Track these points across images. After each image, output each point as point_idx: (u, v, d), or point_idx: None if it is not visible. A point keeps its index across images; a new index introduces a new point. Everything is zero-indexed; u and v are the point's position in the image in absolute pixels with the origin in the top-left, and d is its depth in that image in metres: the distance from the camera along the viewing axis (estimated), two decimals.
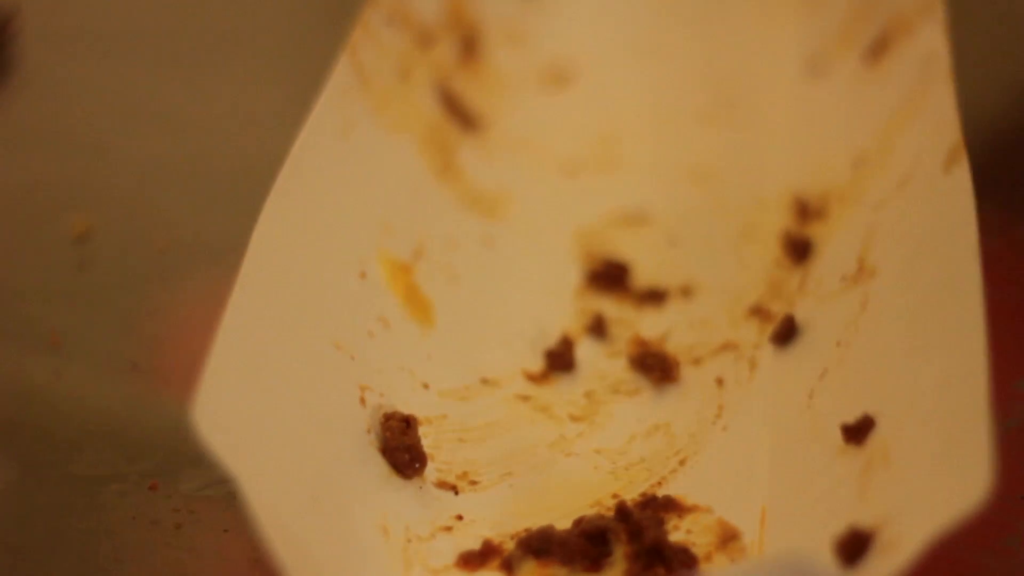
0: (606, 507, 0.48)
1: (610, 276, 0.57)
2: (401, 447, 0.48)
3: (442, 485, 0.49)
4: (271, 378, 0.44)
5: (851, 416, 0.47)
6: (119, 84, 0.71)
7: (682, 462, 0.50)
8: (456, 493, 0.48)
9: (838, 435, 0.47)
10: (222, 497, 0.50)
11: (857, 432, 0.46)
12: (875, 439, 0.46)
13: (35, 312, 0.58)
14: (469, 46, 0.65)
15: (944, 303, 0.46)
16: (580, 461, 0.50)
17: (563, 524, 0.47)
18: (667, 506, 0.48)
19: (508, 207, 0.60)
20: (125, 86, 0.71)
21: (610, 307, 0.56)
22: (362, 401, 0.48)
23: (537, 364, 0.54)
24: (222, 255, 0.61)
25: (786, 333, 0.53)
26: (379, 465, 0.47)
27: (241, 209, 0.65)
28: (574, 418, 0.52)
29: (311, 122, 0.51)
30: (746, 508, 0.47)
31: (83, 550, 0.48)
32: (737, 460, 0.49)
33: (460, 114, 0.60)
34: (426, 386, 0.51)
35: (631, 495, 0.48)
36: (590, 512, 0.48)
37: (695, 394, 0.52)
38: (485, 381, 0.53)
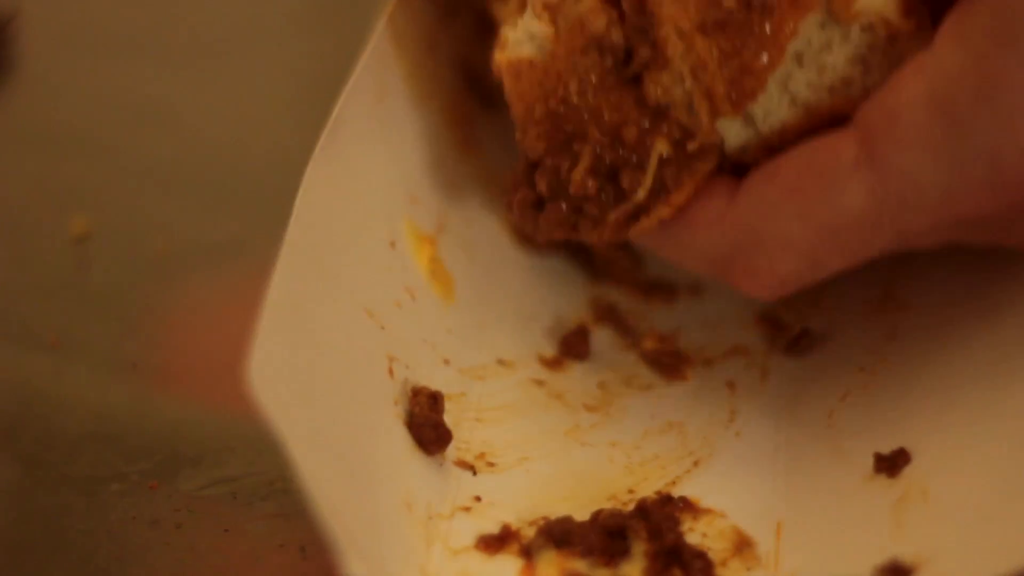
0: (622, 502, 0.48)
1: (621, 266, 0.57)
2: (428, 423, 0.48)
3: (461, 464, 0.49)
4: (312, 345, 0.44)
5: (882, 446, 0.47)
6: (119, 84, 0.71)
7: (696, 463, 0.50)
8: (474, 473, 0.49)
9: (865, 462, 0.47)
10: (222, 497, 0.50)
11: (891, 464, 0.46)
12: (911, 474, 0.46)
13: (35, 312, 0.58)
14: (488, 23, 0.65)
15: (993, 350, 0.46)
16: (595, 452, 0.50)
17: (580, 515, 0.47)
18: (683, 507, 0.48)
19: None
20: (125, 86, 0.71)
21: (622, 298, 0.57)
22: (390, 372, 0.48)
23: (551, 350, 0.54)
24: (222, 255, 0.62)
25: (801, 346, 0.53)
26: (404, 439, 0.47)
27: (241, 209, 0.65)
28: (588, 408, 0.52)
29: (351, 86, 0.50)
30: (761, 518, 0.47)
31: (83, 550, 0.48)
32: (751, 468, 0.49)
33: (479, 89, 0.60)
34: (447, 362, 0.52)
35: (646, 492, 0.48)
36: (607, 505, 0.48)
37: (707, 395, 0.52)
38: (501, 362, 0.53)
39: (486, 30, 0.59)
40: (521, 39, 0.48)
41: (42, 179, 0.65)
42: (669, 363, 0.54)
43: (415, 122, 0.56)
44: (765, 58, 0.45)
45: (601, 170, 0.48)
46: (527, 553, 0.46)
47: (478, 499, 0.48)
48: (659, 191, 0.47)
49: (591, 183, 0.48)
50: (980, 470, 0.44)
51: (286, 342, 0.42)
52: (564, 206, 0.49)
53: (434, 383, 0.50)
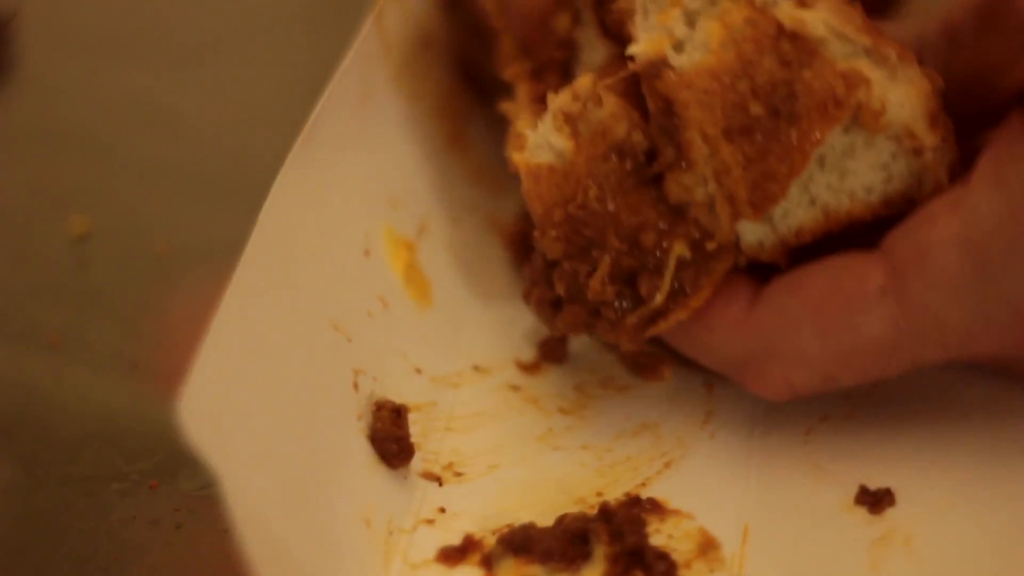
0: (589, 505, 0.48)
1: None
2: (390, 437, 0.48)
3: (427, 476, 0.49)
4: (266, 363, 0.44)
5: (864, 478, 0.47)
6: (119, 84, 0.71)
7: (667, 464, 0.50)
8: (440, 484, 0.49)
9: (845, 488, 0.47)
10: (222, 497, 0.50)
11: (875, 500, 0.47)
12: (895, 516, 0.46)
13: (35, 312, 0.58)
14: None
15: (989, 408, 0.47)
16: (566, 456, 0.50)
17: (546, 520, 0.47)
18: (650, 508, 0.48)
19: (512, 183, 0.59)
20: (125, 86, 0.71)
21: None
22: (355, 386, 0.48)
23: (530, 354, 0.54)
24: (221, 255, 0.62)
25: None
26: (366, 453, 0.47)
27: (241, 209, 0.65)
28: (563, 411, 0.52)
29: (331, 89, 0.50)
30: (728, 520, 0.47)
31: (83, 550, 0.48)
32: (723, 471, 0.49)
33: (474, 83, 0.60)
34: (419, 371, 0.51)
35: (615, 494, 0.48)
36: (574, 510, 0.48)
37: (684, 396, 0.52)
38: (477, 368, 0.53)
39: (485, 24, 0.59)
40: (541, 144, 0.48)
41: (42, 179, 0.65)
42: (647, 363, 0.53)
43: (401, 122, 0.56)
44: (789, 165, 0.46)
45: (619, 276, 0.48)
46: (487, 563, 0.46)
47: (442, 510, 0.48)
48: (677, 294, 0.48)
49: (609, 289, 0.48)
50: (970, 536, 0.44)
51: (231, 364, 0.42)
52: (582, 309, 0.49)
53: (404, 393, 0.50)
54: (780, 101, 0.45)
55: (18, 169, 0.66)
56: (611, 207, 0.47)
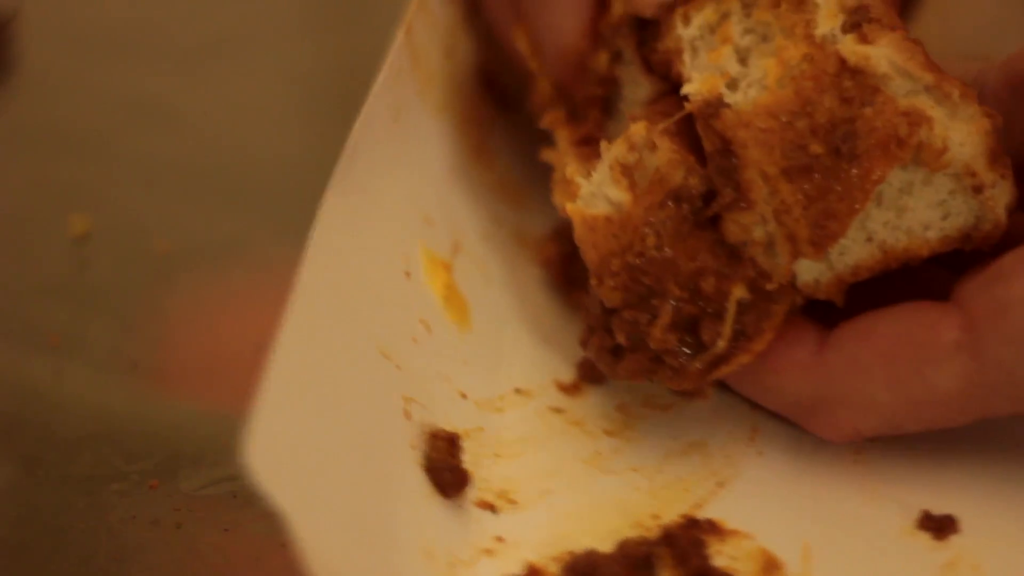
0: (646, 528, 0.47)
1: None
2: (446, 466, 0.47)
3: (482, 504, 0.48)
4: (323, 398, 0.43)
5: (924, 502, 0.47)
6: (119, 84, 0.71)
7: (720, 484, 0.49)
8: (495, 512, 0.48)
9: (905, 512, 0.47)
10: (222, 497, 0.50)
11: (939, 527, 0.47)
12: (961, 544, 0.46)
13: (35, 312, 0.58)
14: None
15: None
16: (618, 479, 0.49)
17: (605, 545, 0.46)
18: (709, 530, 0.47)
19: (536, 196, 0.58)
20: (125, 86, 0.71)
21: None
22: (407, 415, 0.47)
23: (569, 375, 0.53)
24: (222, 255, 0.62)
25: None
26: (422, 484, 0.46)
27: (241, 209, 0.65)
28: (608, 433, 0.51)
29: (367, 109, 0.49)
30: (787, 540, 0.47)
31: (83, 550, 0.48)
32: (775, 489, 0.49)
33: (496, 92, 0.59)
34: (464, 395, 0.51)
35: (671, 516, 0.48)
36: (631, 533, 0.47)
37: (727, 412, 0.51)
38: (519, 391, 0.52)
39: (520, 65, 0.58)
40: (596, 195, 0.48)
41: (42, 179, 0.65)
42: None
43: (430, 137, 0.55)
44: (850, 204, 0.45)
45: (681, 323, 0.47)
46: None
47: (500, 540, 0.47)
48: (739, 338, 0.47)
49: (671, 337, 0.47)
50: None
51: (290, 402, 0.41)
52: (644, 356, 0.48)
53: (451, 419, 0.49)
54: (841, 140, 0.45)
55: (18, 169, 0.66)
56: (669, 254, 0.47)
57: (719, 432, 0.51)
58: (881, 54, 0.45)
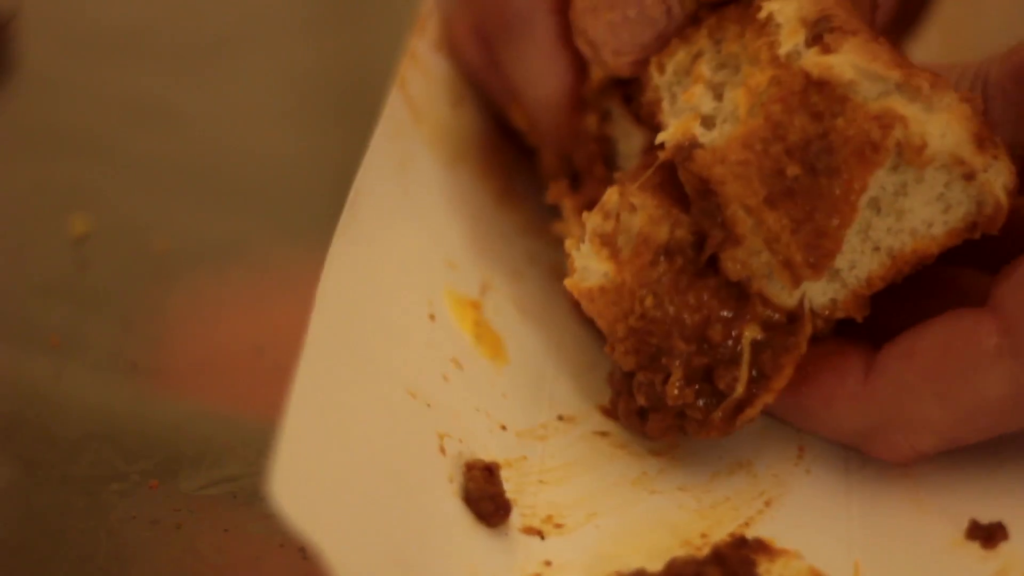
0: (695, 547, 0.47)
1: None
2: (485, 496, 0.46)
3: (528, 531, 0.47)
4: (350, 439, 0.43)
5: (973, 511, 0.47)
6: (119, 84, 0.71)
7: (768, 503, 0.49)
8: (542, 538, 0.47)
9: (955, 522, 0.47)
10: (222, 497, 0.50)
11: (988, 535, 0.46)
12: (1011, 552, 0.46)
13: (35, 312, 0.58)
14: None
15: None
16: (665, 499, 0.49)
17: (654, 564, 0.46)
18: (758, 548, 0.47)
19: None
20: (125, 86, 0.71)
21: None
22: (442, 450, 0.47)
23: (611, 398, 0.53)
24: (222, 255, 0.62)
25: None
26: (464, 515, 0.46)
27: (241, 209, 0.65)
28: (654, 453, 0.50)
29: (366, 161, 0.50)
30: (838, 558, 0.46)
31: (83, 550, 0.48)
32: (824, 506, 0.48)
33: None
34: (503, 427, 0.50)
35: (719, 535, 0.47)
36: (680, 552, 0.47)
37: (774, 431, 0.51)
38: (562, 418, 0.52)
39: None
40: (587, 267, 0.48)
41: (42, 179, 0.65)
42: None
43: (445, 186, 0.55)
44: (839, 218, 0.45)
45: (695, 377, 0.47)
46: None
47: (548, 564, 0.46)
48: (758, 380, 0.47)
49: (688, 392, 0.47)
50: None
51: (315, 444, 0.41)
52: (667, 415, 0.48)
53: (492, 451, 0.49)
54: (815, 157, 0.44)
55: (18, 169, 0.66)
56: (671, 310, 0.47)
57: (766, 451, 0.50)
58: (844, 61, 0.44)
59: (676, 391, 0.47)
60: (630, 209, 0.47)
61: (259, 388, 0.55)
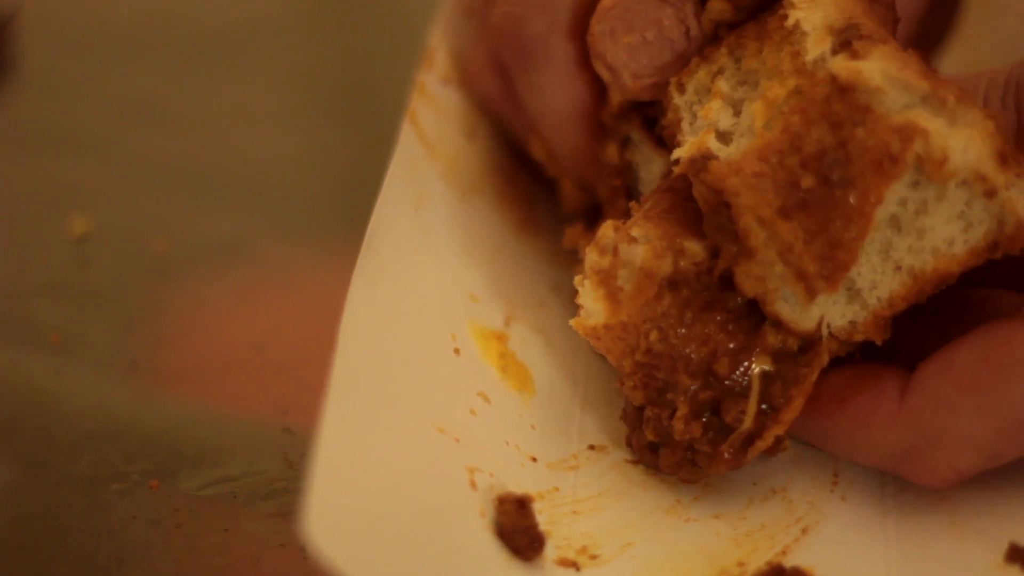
0: None
1: None
2: (518, 529, 0.46)
3: (563, 563, 0.47)
4: (379, 478, 0.43)
5: (1012, 534, 0.46)
6: (119, 84, 0.71)
7: (804, 531, 0.48)
8: (578, 570, 0.47)
9: (994, 546, 0.46)
10: (222, 497, 0.50)
11: None
12: None
13: (35, 312, 0.58)
14: None
15: None
16: (700, 527, 0.49)
17: None
18: None
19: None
20: (125, 86, 0.71)
21: None
22: (472, 484, 0.47)
23: None
24: (221, 255, 0.62)
25: None
26: (498, 550, 0.46)
27: (241, 209, 0.65)
28: (687, 481, 0.50)
29: (382, 198, 0.49)
30: None
31: (83, 550, 0.48)
32: (861, 533, 0.48)
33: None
34: (534, 459, 0.50)
35: (756, 563, 0.47)
36: None
37: (808, 457, 0.50)
38: (593, 448, 0.51)
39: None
40: (588, 306, 0.48)
41: (42, 179, 0.65)
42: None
43: (463, 219, 0.55)
44: (854, 230, 0.44)
45: (703, 410, 0.47)
46: None
47: None
48: (767, 412, 0.47)
49: (694, 427, 0.47)
50: None
51: (346, 485, 0.41)
52: (676, 449, 0.48)
53: (523, 484, 0.48)
54: (829, 168, 0.44)
55: (18, 169, 0.66)
56: (676, 344, 0.47)
57: (801, 478, 0.50)
58: (873, 67, 0.44)
59: (682, 425, 0.47)
60: (630, 242, 0.47)
61: (259, 388, 0.55)
